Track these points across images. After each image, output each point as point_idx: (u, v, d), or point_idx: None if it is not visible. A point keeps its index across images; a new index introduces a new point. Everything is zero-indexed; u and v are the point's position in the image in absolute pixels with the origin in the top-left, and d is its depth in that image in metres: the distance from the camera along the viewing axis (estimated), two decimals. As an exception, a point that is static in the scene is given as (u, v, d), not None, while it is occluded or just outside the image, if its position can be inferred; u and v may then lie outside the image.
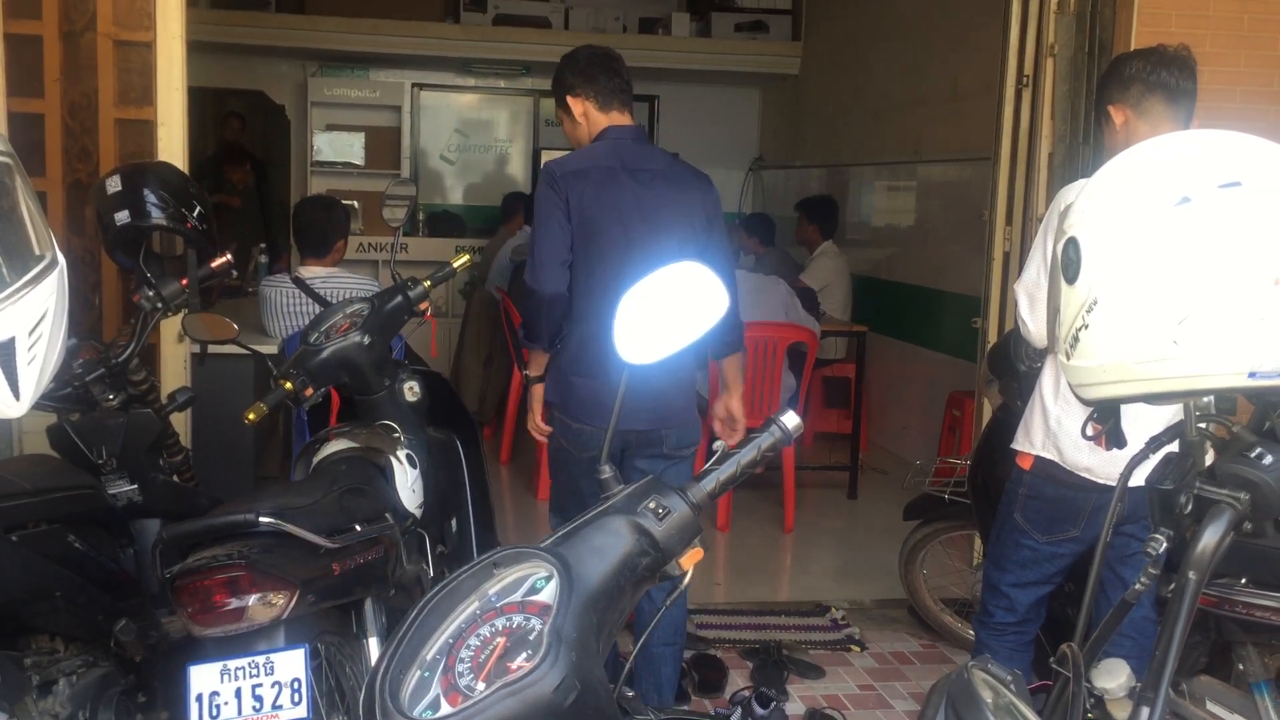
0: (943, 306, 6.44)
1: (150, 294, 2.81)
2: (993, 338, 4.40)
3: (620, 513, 1.23)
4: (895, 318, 6.92)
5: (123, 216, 2.89)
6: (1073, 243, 1.20)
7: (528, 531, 5.23)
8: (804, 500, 5.60)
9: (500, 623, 1.13)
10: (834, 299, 6.68)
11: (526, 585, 1.16)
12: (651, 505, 1.23)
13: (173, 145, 3.75)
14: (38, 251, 1.29)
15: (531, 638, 1.10)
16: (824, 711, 3.47)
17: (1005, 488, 2.82)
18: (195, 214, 3.00)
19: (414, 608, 1.15)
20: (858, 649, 4.00)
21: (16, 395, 1.22)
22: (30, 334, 1.23)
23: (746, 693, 3.50)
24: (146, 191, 2.94)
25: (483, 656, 1.10)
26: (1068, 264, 1.21)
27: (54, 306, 1.28)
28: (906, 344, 6.85)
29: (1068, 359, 1.24)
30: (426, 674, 1.10)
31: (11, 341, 1.20)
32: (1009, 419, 3.03)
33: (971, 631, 3.93)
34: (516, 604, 1.14)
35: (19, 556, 2.19)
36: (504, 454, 6.34)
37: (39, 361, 1.25)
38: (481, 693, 1.05)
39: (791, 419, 1.31)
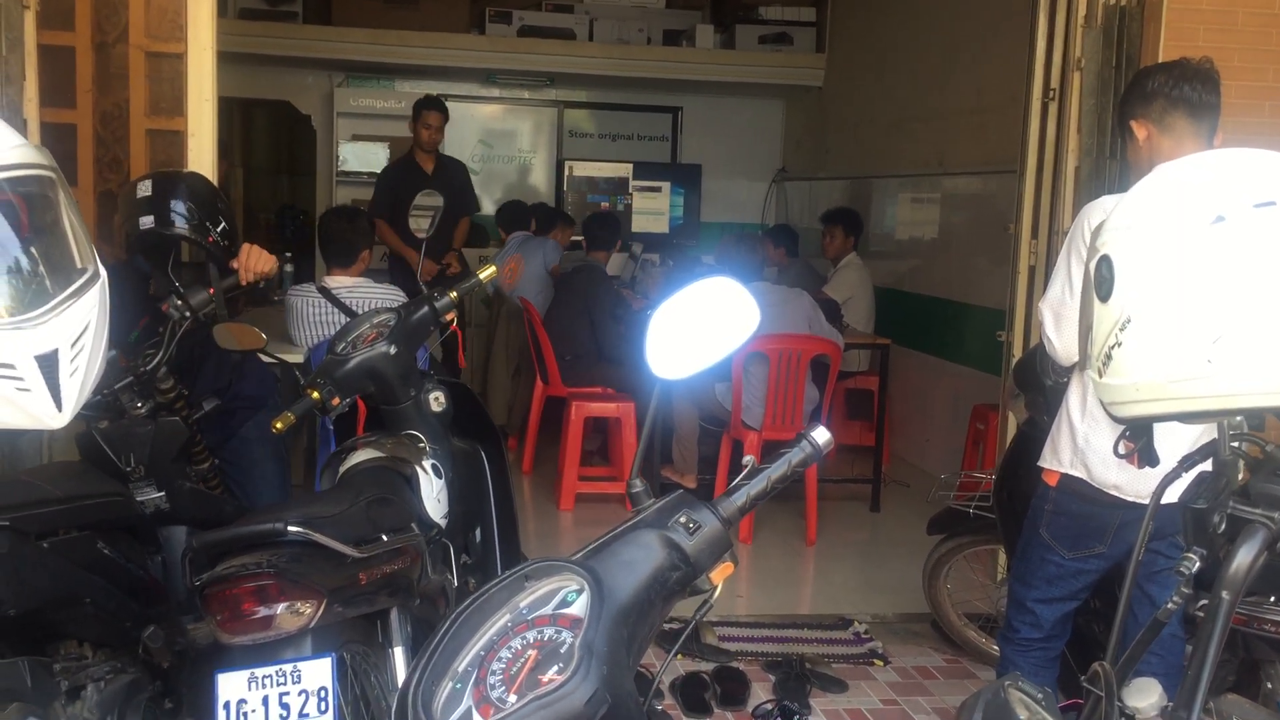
0: (966, 319, 6.42)
1: (179, 303, 2.84)
2: (1018, 351, 4.39)
3: (651, 527, 1.23)
4: (919, 330, 6.90)
5: (147, 221, 2.91)
6: (1106, 260, 1.20)
7: (551, 542, 5.24)
8: (826, 513, 5.59)
9: (531, 635, 1.14)
10: (857, 311, 6.67)
11: (558, 598, 1.17)
12: (682, 519, 1.23)
13: (202, 156, 3.78)
14: (79, 264, 1.31)
15: (563, 651, 1.11)
16: (847, 726, 3.45)
17: (1031, 503, 2.81)
18: (219, 229, 3.03)
19: (445, 619, 1.16)
20: (880, 663, 3.99)
21: (59, 406, 1.24)
22: (73, 346, 1.24)
23: (769, 706, 3.50)
24: (175, 201, 2.97)
25: (514, 669, 1.11)
26: (1101, 282, 1.21)
27: (95, 319, 1.30)
28: (930, 356, 6.83)
29: (1100, 377, 1.24)
30: (459, 685, 1.11)
31: (55, 353, 1.22)
32: (1035, 433, 3.02)
33: (995, 647, 3.93)
34: (548, 617, 1.15)
35: (51, 563, 2.21)
36: (527, 464, 6.35)
37: (81, 373, 1.27)
38: (513, 705, 1.06)
39: (822, 434, 1.31)
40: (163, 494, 2.76)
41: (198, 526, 2.93)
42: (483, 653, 1.13)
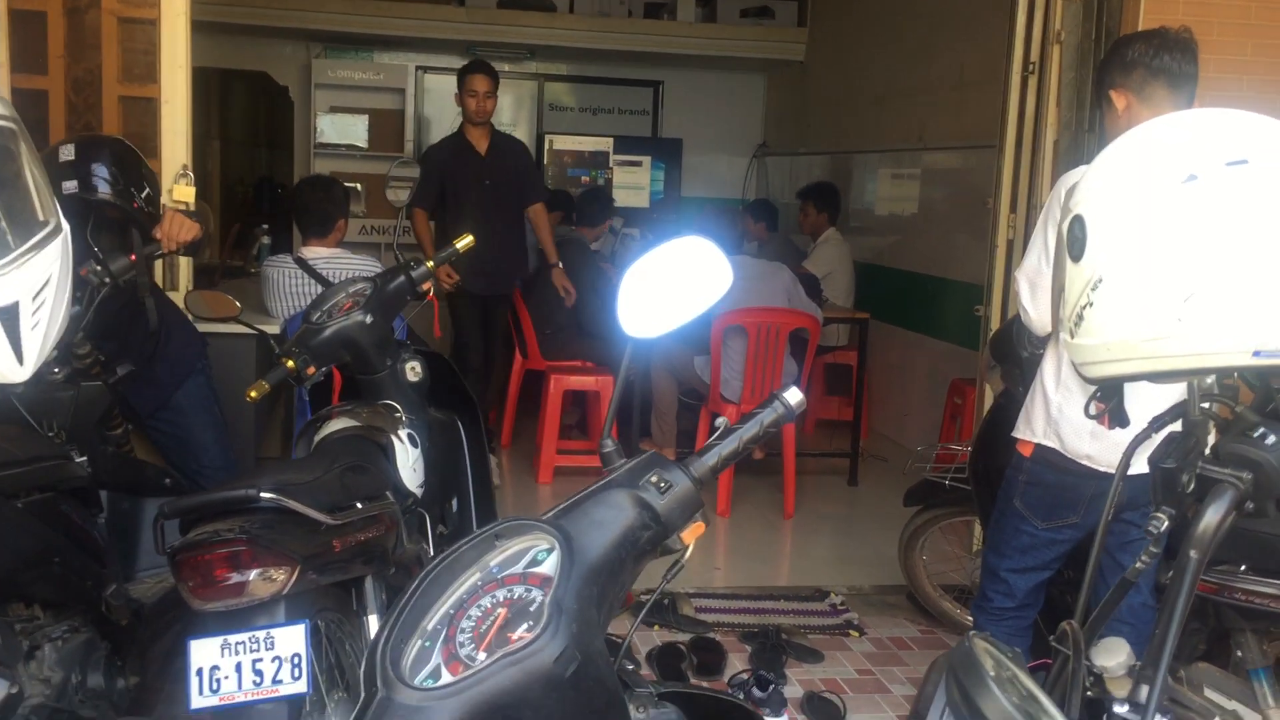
0: (945, 294, 6.43)
1: (98, 269, 2.78)
2: (995, 325, 4.40)
3: (622, 486, 1.23)
4: (898, 305, 6.92)
5: (70, 186, 2.85)
6: (1078, 220, 1.20)
7: (529, 514, 5.23)
8: (804, 487, 5.61)
9: (501, 594, 1.13)
10: (837, 286, 6.68)
11: (528, 557, 1.16)
12: (653, 479, 1.23)
13: (176, 123, 3.75)
14: (41, 217, 1.29)
15: (532, 609, 1.10)
16: (822, 695, 3.47)
17: (1006, 474, 2.82)
18: (144, 195, 3.00)
19: (415, 579, 1.16)
20: (856, 634, 4.01)
21: (20, 360, 1.23)
22: (34, 299, 1.23)
23: (745, 676, 3.51)
24: (98, 165, 2.93)
25: (484, 627, 1.10)
26: (1073, 242, 1.21)
27: (58, 272, 1.28)
28: (909, 331, 6.85)
29: (1072, 337, 1.24)
30: (427, 644, 1.10)
31: (15, 306, 1.20)
32: (1010, 405, 3.03)
33: (970, 618, 3.96)
34: (518, 575, 1.15)
35: (27, 524, 2.20)
36: (505, 438, 6.34)
37: (43, 327, 1.25)
38: (482, 662, 1.05)
39: (794, 395, 1.30)
40: (84, 459, 2.73)
41: (120, 492, 2.93)
42: (452, 611, 1.13)
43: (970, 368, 5.31)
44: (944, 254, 6.52)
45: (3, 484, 2.15)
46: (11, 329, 1.20)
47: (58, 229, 1.30)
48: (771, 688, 3.36)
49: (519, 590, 1.13)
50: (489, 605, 1.12)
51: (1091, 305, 1.18)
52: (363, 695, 1.10)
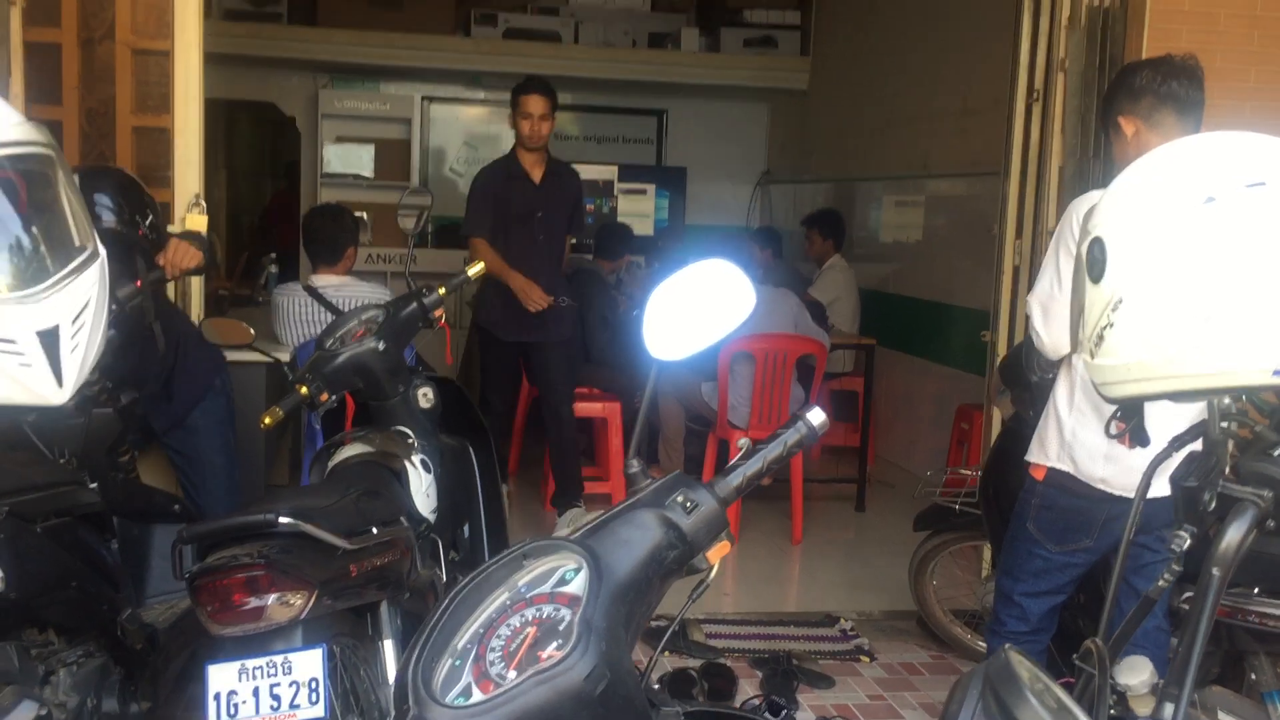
0: (951, 320, 6.45)
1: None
2: (1002, 351, 4.42)
3: (648, 506, 1.24)
4: (903, 331, 6.93)
5: None
6: (1098, 242, 1.22)
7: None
8: (812, 512, 5.60)
9: (530, 613, 1.14)
10: (842, 312, 6.70)
11: (556, 577, 1.18)
12: (679, 499, 1.24)
13: (189, 153, 3.79)
14: (78, 243, 1.31)
15: (561, 628, 1.11)
16: (834, 721, 3.47)
17: (1018, 497, 2.83)
18: (148, 223, 3.04)
19: (444, 598, 1.17)
20: (867, 659, 4.00)
21: (60, 382, 1.25)
22: (74, 322, 1.25)
23: (757, 701, 3.50)
24: (102, 195, 2.97)
25: (513, 646, 1.11)
26: (1093, 263, 1.22)
27: (95, 297, 1.30)
28: (914, 358, 6.86)
29: (1092, 358, 1.25)
30: (458, 662, 1.11)
31: (55, 329, 1.22)
32: (1020, 429, 3.04)
33: (981, 643, 3.95)
34: (546, 595, 1.16)
35: (46, 548, 2.21)
36: (512, 464, 6.34)
37: (81, 350, 1.27)
38: (513, 680, 1.06)
39: (817, 415, 1.32)
40: (95, 485, 2.75)
41: (130, 518, 2.94)
42: (481, 630, 1.14)
43: (976, 393, 5.32)
44: (949, 280, 6.54)
45: (21, 509, 2.16)
46: (52, 352, 1.22)
47: (95, 254, 1.33)
48: (784, 713, 3.35)
49: (548, 609, 1.14)
50: (518, 624, 1.14)
51: (1112, 326, 1.20)
52: (393, 714, 1.11)
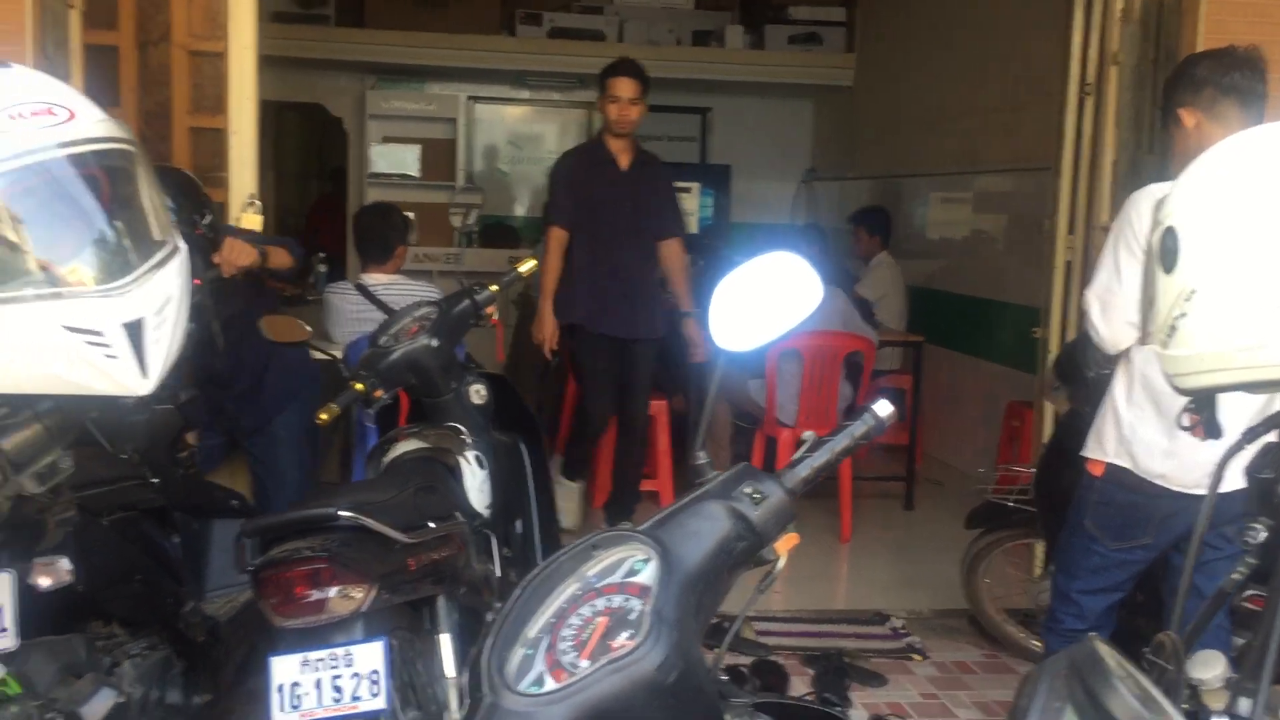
0: (1000, 317, 6.40)
1: None
2: (1054, 347, 4.38)
3: (716, 497, 1.24)
4: (951, 329, 6.89)
5: None
6: (1170, 232, 1.20)
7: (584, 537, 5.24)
8: (860, 510, 5.58)
9: (600, 603, 1.15)
10: (889, 310, 6.67)
11: (625, 567, 1.18)
12: (748, 490, 1.24)
13: (244, 153, 3.83)
14: (159, 237, 1.34)
15: (632, 618, 1.12)
16: (888, 719, 3.45)
17: (1076, 494, 2.80)
18: (205, 221, 3.09)
19: (516, 588, 1.18)
20: (919, 658, 3.98)
21: (145, 373, 1.27)
22: (157, 315, 1.28)
23: (808, 698, 3.49)
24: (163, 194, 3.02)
25: (585, 635, 1.12)
26: (1165, 253, 1.21)
27: (178, 290, 1.33)
28: (963, 355, 6.81)
29: (1164, 349, 1.24)
30: (530, 652, 1.12)
31: (140, 322, 1.25)
32: (1077, 424, 3.01)
33: (1035, 642, 3.92)
34: (616, 585, 1.16)
35: (113, 542, 2.25)
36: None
37: (164, 343, 1.30)
38: (586, 669, 1.07)
39: (885, 407, 1.32)
40: (156, 481, 2.80)
41: (190, 513, 2.99)
42: (553, 619, 1.15)
43: (1026, 390, 5.28)
44: (998, 277, 6.49)
45: (88, 503, 2.21)
46: (137, 343, 1.25)
47: (176, 249, 1.35)
48: (837, 711, 3.34)
49: (618, 599, 1.15)
50: (589, 614, 1.14)
51: (1185, 316, 1.19)
52: (467, 702, 1.12)
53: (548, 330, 4.79)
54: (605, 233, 4.80)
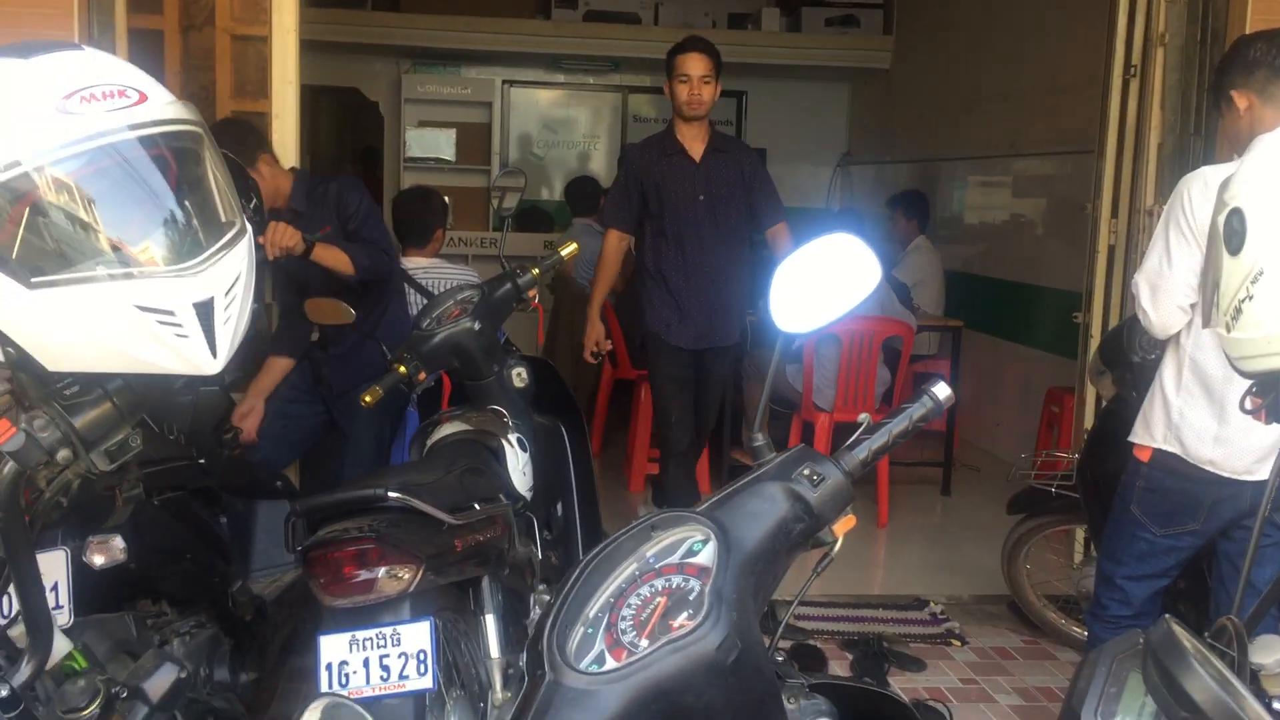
0: (1039, 302, 6.35)
1: None
2: (1096, 332, 4.34)
3: (775, 479, 1.24)
4: (990, 313, 6.84)
5: None
6: (1237, 213, 1.19)
7: (621, 522, 5.24)
8: (897, 496, 5.56)
9: (660, 583, 1.16)
10: (927, 294, 6.62)
11: (684, 548, 1.19)
12: (806, 472, 1.24)
13: (286, 137, 3.85)
14: (226, 218, 1.35)
15: (691, 598, 1.12)
16: (928, 703, 3.44)
17: (1121, 480, 2.78)
18: (252, 205, 3.13)
19: (575, 568, 1.18)
20: (958, 643, 3.97)
21: (214, 353, 1.29)
22: (226, 295, 1.29)
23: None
24: None
25: (644, 615, 1.13)
26: (1231, 235, 1.20)
27: (245, 271, 1.35)
28: (1001, 340, 6.77)
29: (1228, 331, 1.23)
30: (590, 631, 1.13)
31: (210, 301, 1.27)
32: (1122, 410, 2.99)
33: (1075, 629, 3.90)
34: (675, 565, 1.17)
35: (164, 520, 2.28)
36: (595, 447, 6.38)
37: (233, 322, 1.31)
38: (646, 649, 1.08)
39: (943, 390, 1.31)
40: (202, 462, 2.83)
41: (235, 494, 3.03)
42: (612, 599, 1.15)
43: (1066, 376, 5.23)
44: (1038, 261, 6.43)
45: (146, 482, 2.24)
46: (207, 323, 1.27)
47: (244, 230, 1.37)
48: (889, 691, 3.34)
49: (677, 580, 1.15)
50: (648, 594, 1.15)
51: (1251, 299, 1.17)
52: (526, 680, 1.13)
53: (593, 337, 4.52)
54: (679, 233, 4.35)
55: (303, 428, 3.80)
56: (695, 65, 4.27)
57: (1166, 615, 0.96)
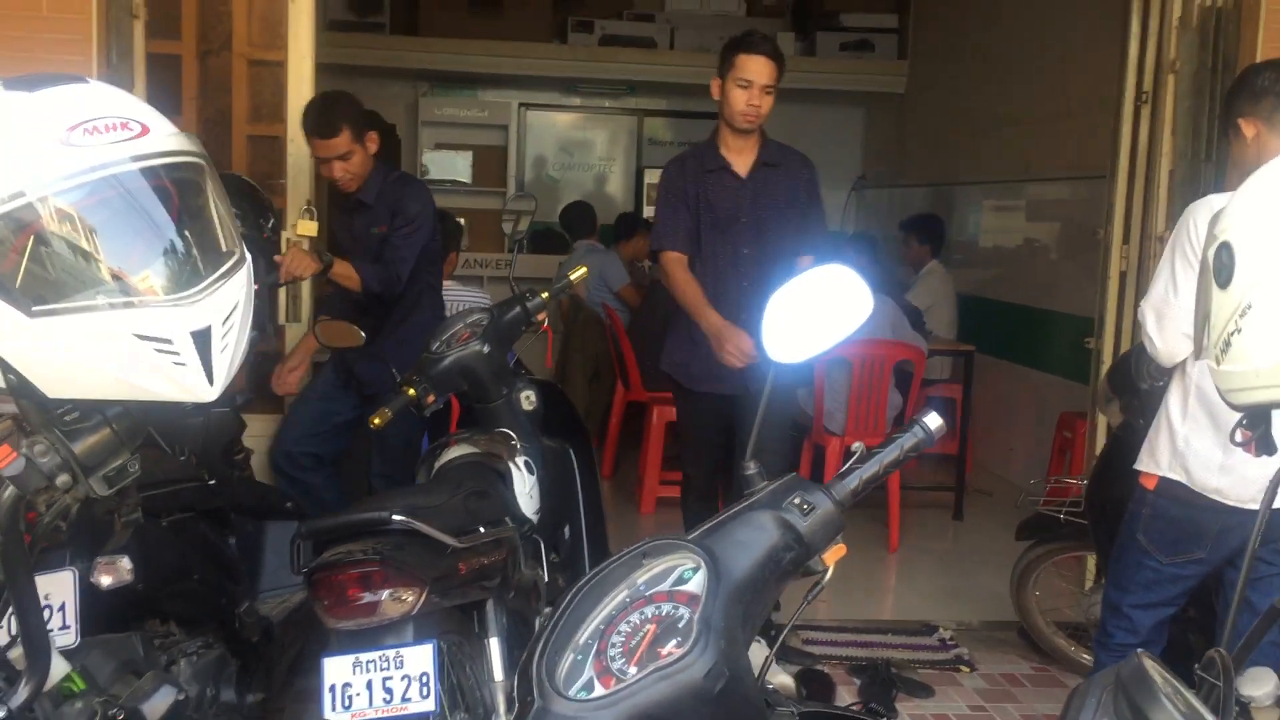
0: (1052, 327, 6.34)
1: None
2: (1108, 358, 4.33)
3: (765, 507, 1.25)
4: (1002, 338, 6.83)
5: None
6: (1225, 247, 1.20)
7: (633, 544, 5.26)
8: (908, 520, 5.55)
9: (650, 610, 1.17)
10: (940, 318, 6.62)
11: (674, 575, 1.20)
12: (796, 501, 1.25)
13: (301, 161, 3.90)
14: (225, 248, 1.38)
15: (680, 625, 1.13)
16: (933, 730, 3.43)
17: (1128, 507, 2.77)
18: (270, 225, 3.17)
19: (566, 594, 1.20)
20: (967, 670, 3.95)
21: (211, 380, 1.31)
22: (224, 324, 1.32)
23: (855, 709, 3.49)
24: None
25: (634, 642, 1.14)
26: (1220, 268, 1.20)
27: (243, 300, 1.37)
28: (1014, 364, 6.75)
29: (1218, 364, 1.23)
30: (579, 657, 1.14)
31: (208, 330, 1.29)
32: (1130, 437, 2.98)
33: (1085, 656, 3.88)
34: (665, 593, 1.18)
35: (171, 542, 2.30)
36: (606, 469, 6.39)
37: (230, 350, 1.34)
38: (634, 676, 1.09)
39: (934, 420, 1.32)
40: (213, 483, 2.85)
41: (244, 515, 3.05)
42: (602, 626, 1.16)
43: (1078, 401, 5.22)
44: (1050, 286, 6.42)
45: (148, 504, 2.25)
46: (204, 351, 1.29)
47: (242, 259, 1.40)
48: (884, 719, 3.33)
49: (666, 607, 1.17)
50: (638, 621, 1.16)
51: (1240, 332, 1.18)
52: (517, 706, 1.14)
53: (732, 342, 3.59)
54: (715, 261, 3.75)
55: (334, 424, 3.88)
56: (762, 71, 3.66)
57: (1139, 650, 0.97)
